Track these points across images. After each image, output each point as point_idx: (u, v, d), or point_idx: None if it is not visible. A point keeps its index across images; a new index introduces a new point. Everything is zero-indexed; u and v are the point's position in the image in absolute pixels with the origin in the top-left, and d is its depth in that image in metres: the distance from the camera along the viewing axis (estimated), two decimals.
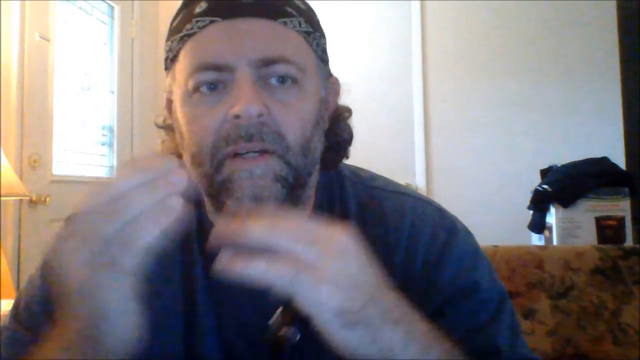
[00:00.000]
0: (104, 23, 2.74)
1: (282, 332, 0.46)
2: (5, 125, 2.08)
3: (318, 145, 0.60)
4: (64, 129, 2.42)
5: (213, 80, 0.56)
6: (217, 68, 0.56)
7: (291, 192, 0.57)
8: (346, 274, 0.43)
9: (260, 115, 0.54)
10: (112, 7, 2.79)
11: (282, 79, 0.57)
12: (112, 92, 2.77)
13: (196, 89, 0.57)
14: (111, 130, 2.75)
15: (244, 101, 0.54)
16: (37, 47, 2.23)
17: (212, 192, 0.58)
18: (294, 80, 0.57)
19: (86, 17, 2.61)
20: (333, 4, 2.80)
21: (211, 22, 0.57)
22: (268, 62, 0.56)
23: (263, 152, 0.55)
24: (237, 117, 0.54)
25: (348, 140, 0.67)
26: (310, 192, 0.63)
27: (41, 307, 0.62)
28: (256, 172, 0.55)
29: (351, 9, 2.95)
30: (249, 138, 0.54)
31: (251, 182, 0.55)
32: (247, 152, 0.55)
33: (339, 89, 0.67)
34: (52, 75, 2.32)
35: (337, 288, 0.42)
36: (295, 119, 0.57)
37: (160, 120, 0.68)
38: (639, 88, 2.59)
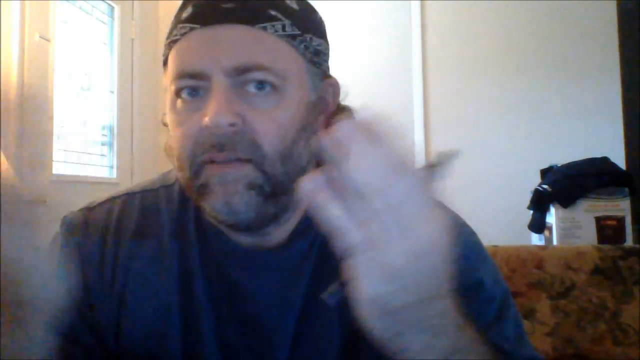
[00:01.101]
0: (104, 23, 2.74)
1: (326, 290, 0.42)
2: (5, 125, 2.08)
3: (304, 151, 0.59)
4: (64, 129, 2.42)
5: (192, 87, 0.57)
6: (194, 76, 0.56)
7: (272, 200, 0.57)
8: (408, 270, 0.38)
9: (232, 124, 0.54)
10: (112, 7, 2.79)
11: (261, 86, 0.56)
12: (112, 92, 2.77)
13: (178, 94, 0.58)
14: (111, 130, 2.75)
15: (212, 112, 0.54)
16: (37, 47, 2.23)
17: (192, 196, 0.59)
18: (273, 87, 0.56)
19: (86, 17, 2.61)
20: (333, 4, 2.80)
21: (191, 29, 0.57)
22: (243, 70, 0.55)
23: (237, 160, 0.55)
24: (207, 127, 0.54)
25: None
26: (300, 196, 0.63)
27: None
28: (228, 178, 0.55)
29: (351, 9, 2.95)
30: (220, 148, 0.55)
31: (223, 188, 0.55)
32: (221, 161, 0.55)
33: (339, 91, 0.66)
34: (52, 75, 2.32)
35: (388, 278, 0.38)
36: (272, 127, 0.56)
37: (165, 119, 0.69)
38: (639, 88, 2.59)
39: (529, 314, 1.30)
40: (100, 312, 0.62)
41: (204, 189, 0.56)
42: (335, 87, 0.66)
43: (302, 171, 0.60)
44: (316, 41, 0.62)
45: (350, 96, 0.68)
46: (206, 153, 0.56)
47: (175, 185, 0.68)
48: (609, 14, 2.63)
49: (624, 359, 1.24)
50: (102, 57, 2.72)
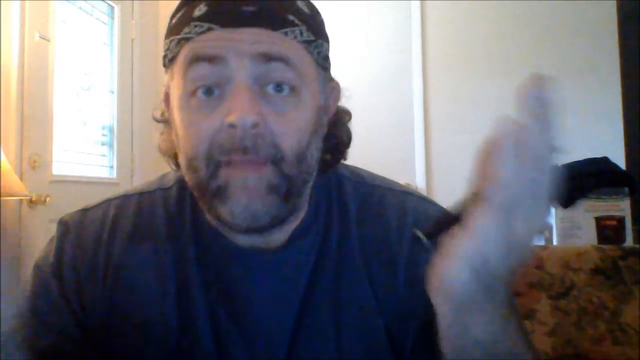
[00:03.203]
0: (104, 23, 2.74)
1: (423, 230, 0.41)
2: (5, 125, 2.08)
3: (315, 153, 0.60)
4: (64, 129, 2.42)
5: (208, 77, 0.55)
6: (209, 59, 0.55)
7: (286, 201, 0.56)
8: (526, 247, 0.41)
9: (255, 125, 0.53)
10: (112, 7, 2.79)
11: (279, 87, 0.56)
12: (112, 92, 2.77)
13: (193, 92, 0.56)
14: (111, 130, 2.75)
15: (239, 110, 0.53)
16: (37, 47, 2.23)
17: (207, 198, 0.57)
18: (292, 89, 0.56)
19: (86, 17, 2.61)
20: (333, 4, 2.80)
21: (209, 29, 0.56)
22: (267, 58, 0.55)
23: (257, 162, 0.54)
24: (232, 126, 0.53)
25: (346, 143, 0.67)
26: (306, 197, 0.63)
27: (30, 305, 0.63)
28: (250, 182, 0.54)
29: (351, 9, 2.95)
30: (244, 150, 0.53)
31: (245, 192, 0.54)
32: (241, 162, 0.54)
33: (340, 94, 0.66)
34: (52, 75, 2.32)
35: (508, 247, 0.40)
36: (291, 129, 0.56)
37: (158, 114, 0.68)
38: (639, 88, 2.59)
39: (529, 314, 1.30)
40: (93, 314, 0.62)
41: (222, 191, 0.55)
42: (336, 90, 0.66)
43: (312, 174, 0.60)
44: (325, 46, 0.62)
45: (350, 96, 0.68)
46: (225, 155, 0.54)
47: (173, 188, 0.68)
48: (609, 14, 2.63)
49: (624, 359, 1.24)
50: (102, 57, 2.72)
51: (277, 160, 0.55)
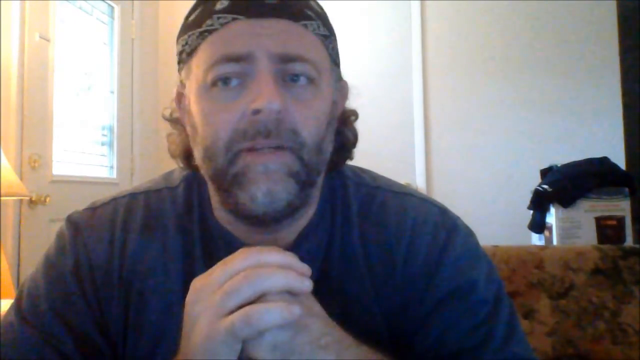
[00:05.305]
0: (104, 23, 2.75)
1: None
2: (5, 125, 2.08)
3: (329, 146, 0.61)
4: (64, 129, 2.42)
5: (233, 73, 0.56)
6: (237, 59, 0.56)
7: (302, 189, 0.57)
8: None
9: (279, 111, 0.55)
10: (112, 7, 2.79)
11: (297, 77, 0.57)
12: (112, 92, 2.77)
13: (214, 83, 0.57)
14: (111, 130, 2.75)
15: (266, 96, 0.54)
16: (37, 47, 2.23)
17: (225, 185, 0.58)
18: (311, 80, 0.58)
19: (86, 17, 2.61)
20: (333, 4, 2.80)
21: (233, 19, 0.57)
22: (287, 59, 0.56)
23: (278, 147, 0.55)
24: (258, 112, 0.54)
25: (353, 142, 0.68)
26: (316, 193, 0.64)
27: (48, 305, 0.62)
28: (271, 167, 0.55)
29: (351, 9, 2.95)
30: (267, 134, 0.55)
31: (266, 176, 0.55)
32: (262, 148, 0.55)
33: (347, 93, 0.68)
34: (52, 75, 2.32)
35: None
36: (310, 117, 0.57)
37: (167, 113, 0.68)
38: (639, 88, 2.59)
39: (529, 314, 1.30)
40: (109, 314, 0.62)
41: (241, 177, 0.56)
42: (344, 90, 0.67)
43: (325, 166, 0.62)
44: (336, 44, 0.65)
45: (350, 96, 0.69)
46: (248, 141, 0.55)
47: (180, 187, 0.68)
48: (609, 14, 2.63)
49: (624, 358, 1.24)
50: (102, 57, 2.72)
51: (297, 148, 0.56)
